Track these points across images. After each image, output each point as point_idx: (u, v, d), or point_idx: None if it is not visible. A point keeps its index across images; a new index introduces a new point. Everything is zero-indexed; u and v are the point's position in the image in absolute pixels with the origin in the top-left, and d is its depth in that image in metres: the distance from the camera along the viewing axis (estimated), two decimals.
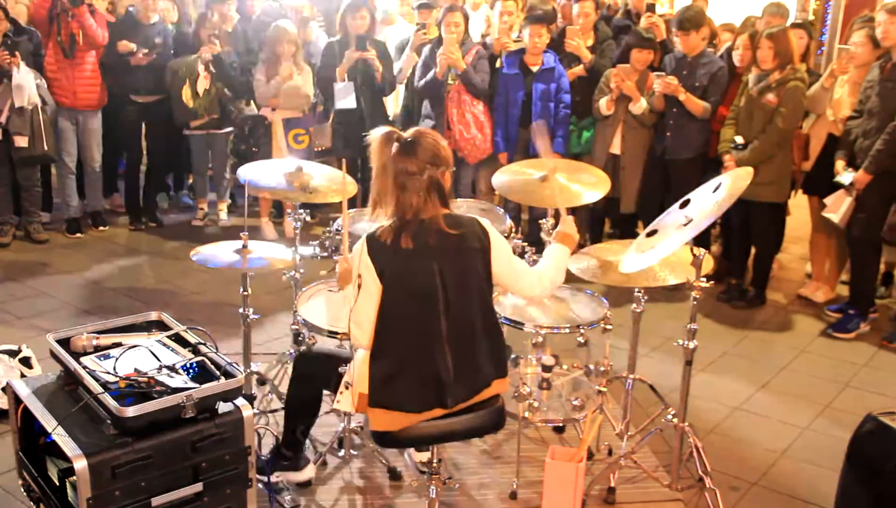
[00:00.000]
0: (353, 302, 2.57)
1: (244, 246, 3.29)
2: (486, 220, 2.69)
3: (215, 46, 5.97)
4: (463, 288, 2.59)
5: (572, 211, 3.17)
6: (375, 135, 2.58)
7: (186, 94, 5.98)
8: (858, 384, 4.38)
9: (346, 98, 5.82)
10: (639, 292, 3.49)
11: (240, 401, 2.63)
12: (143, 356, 2.66)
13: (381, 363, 2.58)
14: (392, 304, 2.54)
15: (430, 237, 2.54)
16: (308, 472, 3.18)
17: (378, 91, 5.88)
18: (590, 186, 3.54)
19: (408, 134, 2.58)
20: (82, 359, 2.64)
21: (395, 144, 2.53)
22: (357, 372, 2.63)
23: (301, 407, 3.06)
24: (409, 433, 2.64)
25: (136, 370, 2.55)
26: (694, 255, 3.04)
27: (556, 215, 3.83)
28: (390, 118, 6.16)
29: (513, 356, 3.45)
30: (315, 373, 2.95)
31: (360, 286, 2.55)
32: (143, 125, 6.35)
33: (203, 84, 5.97)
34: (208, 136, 6.31)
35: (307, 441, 3.18)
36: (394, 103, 6.21)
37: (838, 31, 8.24)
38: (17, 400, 2.68)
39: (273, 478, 3.10)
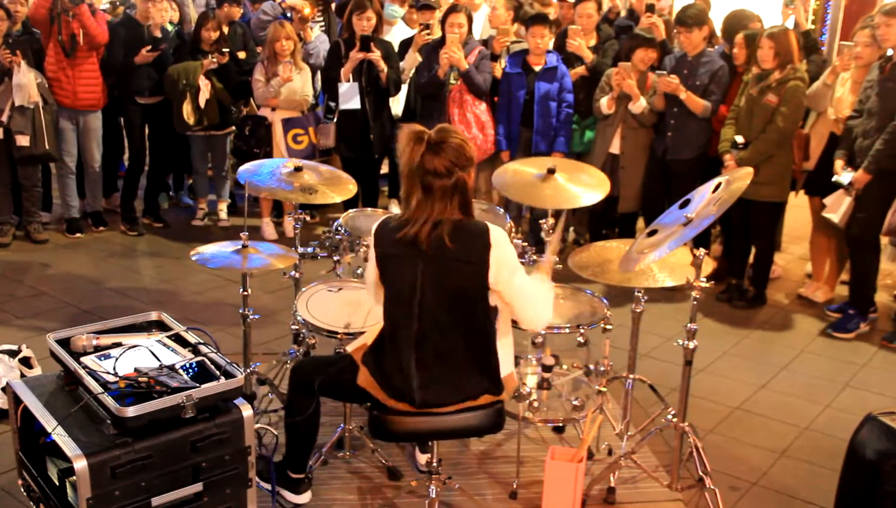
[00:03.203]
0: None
1: (244, 246, 3.30)
2: (498, 231, 2.60)
3: (224, 57, 5.96)
4: (441, 297, 2.58)
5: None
6: (404, 133, 2.57)
7: (187, 109, 5.97)
8: (858, 384, 4.38)
9: (351, 99, 5.81)
10: (639, 292, 3.49)
11: (240, 401, 2.63)
12: (143, 356, 2.66)
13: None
14: (384, 287, 2.68)
15: (428, 238, 2.55)
16: (304, 497, 3.12)
17: (383, 92, 5.87)
18: (589, 187, 3.55)
19: (435, 132, 2.56)
20: (82, 359, 2.63)
21: (424, 144, 2.53)
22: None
23: (303, 418, 2.96)
24: (403, 428, 2.68)
25: (136, 370, 2.54)
26: (694, 255, 3.04)
27: (556, 215, 3.84)
28: (394, 118, 6.15)
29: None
30: (313, 380, 2.91)
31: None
32: (146, 127, 6.34)
33: (204, 95, 5.96)
34: (208, 136, 6.30)
35: (309, 464, 3.14)
36: (394, 103, 6.20)
37: (838, 31, 8.23)
38: (17, 400, 2.68)
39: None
